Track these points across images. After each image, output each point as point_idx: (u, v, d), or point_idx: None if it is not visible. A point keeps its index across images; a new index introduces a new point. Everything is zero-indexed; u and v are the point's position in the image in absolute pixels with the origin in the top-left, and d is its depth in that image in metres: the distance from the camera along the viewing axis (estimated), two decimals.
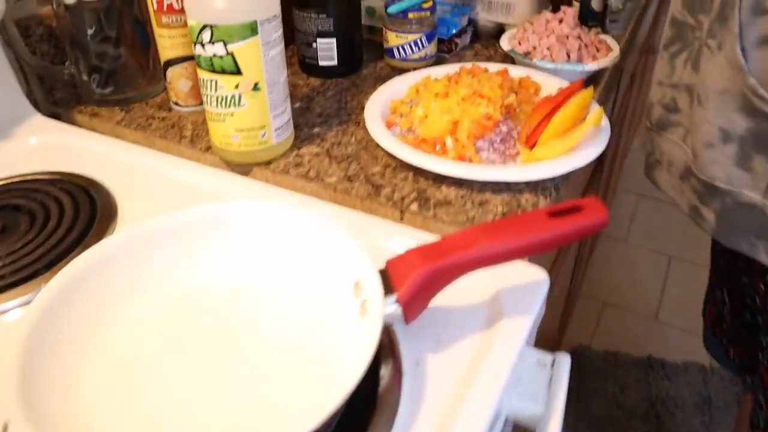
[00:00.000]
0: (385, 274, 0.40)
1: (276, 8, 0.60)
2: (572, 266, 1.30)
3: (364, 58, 0.87)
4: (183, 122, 0.73)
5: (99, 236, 0.54)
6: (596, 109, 0.63)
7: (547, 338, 1.23)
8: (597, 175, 1.27)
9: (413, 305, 0.40)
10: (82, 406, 0.37)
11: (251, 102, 0.61)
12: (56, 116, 0.77)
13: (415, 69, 0.82)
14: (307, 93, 0.79)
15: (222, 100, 0.61)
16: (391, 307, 0.39)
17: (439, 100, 0.66)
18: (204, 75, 0.61)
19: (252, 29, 0.58)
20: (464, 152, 0.62)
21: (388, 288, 0.39)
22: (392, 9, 0.81)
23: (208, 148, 0.68)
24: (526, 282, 0.48)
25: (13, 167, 0.64)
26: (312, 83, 0.82)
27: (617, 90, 1.20)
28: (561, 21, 0.83)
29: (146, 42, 0.77)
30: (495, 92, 0.67)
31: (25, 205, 0.58)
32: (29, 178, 0.62)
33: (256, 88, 0.61)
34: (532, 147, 0.63)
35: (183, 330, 0.43)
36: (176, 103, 0.76)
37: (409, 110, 0.68)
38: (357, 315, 0.40)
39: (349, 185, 0.61)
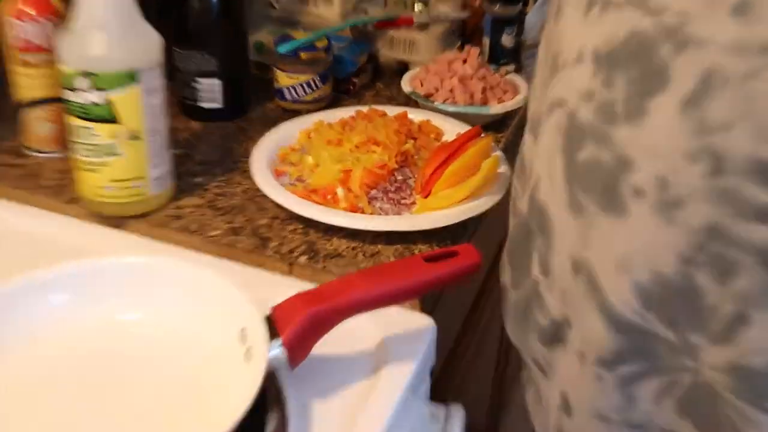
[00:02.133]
0: (270, 320, 0.55)
1: (159, 55, 0.75)
2: (501, 337, 1.48)
3: (252, 98, 1.03)
4: (42, 170, 0.86)
5: None
6: (491, 157, 0.81)
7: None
8: None
9: (298, 349, 0.55)
10: None
11: (129, 152, 0.75)
12: None
13: (308, 111, 0.98)
14: (187, 138, 0.94)
15: (96, 149, 0.75)
16: (276, 350, 0.54)
17: (332, 148, 0.83)
18: (76, 122, 0.74)
19: (133, 77, 0.73)
20: (356, 202, 0.78)
21: (273, 332, 0.54)
22: (282, 48, 0.98)
23: (74, 199, 0.81)
24: (412, 329, 0.64)
25: None
26: (193, 127, 0.97)
27: None
28: (465, 61, 1.02)
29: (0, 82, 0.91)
30: (391, 139, 0.84)
31: None
32: None
33: (135, 137, 0.75)
34: (426, 196, 0.80)
35: (62, 383, 0.56)
36: (34, 150, 0.89)
37: (299, 158, 0.84)
38: (242, 361, 0.55)
39: (235, 238, 0.76)
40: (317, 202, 0.78)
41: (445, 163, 0.81)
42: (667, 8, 0.47)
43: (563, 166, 0.55)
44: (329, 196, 0.79)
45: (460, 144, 0.82)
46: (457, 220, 0.76)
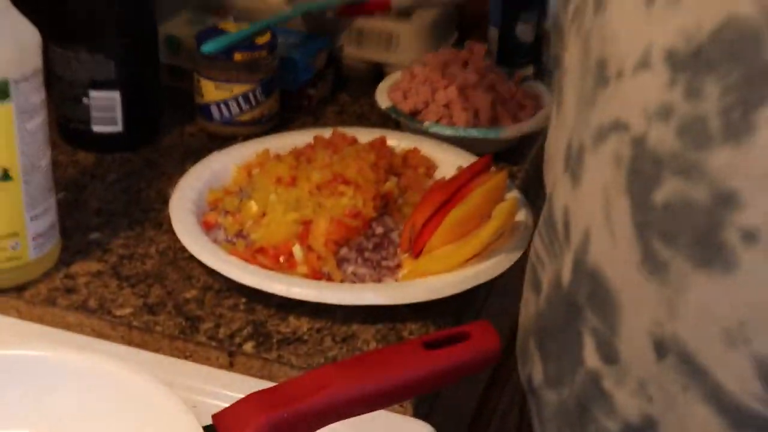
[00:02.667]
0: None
1: (37, 60, 0.80)
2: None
3: (165, 118, 1.08)
4: None
5: None
6: (506, 200, 0.86)
7: None
8: None
9: None
10: None
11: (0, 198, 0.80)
12: None
13: (246, 137, 1.03)
14: (75, 177, 0.99)
15: None
16: None
17: (283, 190, 0.87)
18: None
19: (3, 91, 0.78)
20: (320, 266, 0.82)
21: None
22: (208, 47, 1.03)
23: None
24: None
25: None
26: (82, 161, 1.01)
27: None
28: (466, 63, 1.08)
29: None
30: (366, 176, 0.88)
31: None
32: None
33: (5, 176, 0.80)
34: (418, 256, 0.85)
35: None
36: None
37: (238, 205, 0.88)
38: None
39: (152, 318, 0.80)
40: (266, 267, 0.82)
41: (443, 209, 0.86)
42: None
43: (631, 212, 0.56)
44: (282, 258, 0.83)
45: (463, 182, 0.88)
46: (462, 289, 0.80)
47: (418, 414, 0.74)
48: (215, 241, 0.86)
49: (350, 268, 0.84)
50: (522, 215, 0.89)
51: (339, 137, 0.96)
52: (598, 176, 0.59)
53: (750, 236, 0.49)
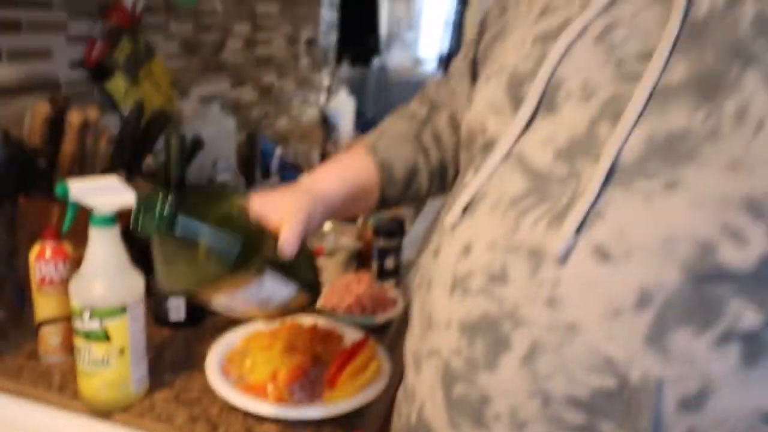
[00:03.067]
0: None
1: (141, 292, 0.83)
2: None
3: (206, 311, 1.10)
4: (51, 371, 0.91)
5: None
6: (375, 360, 0.91)
7: None
8: None
9: None
10: None
11: (117, 363, 0.82)
12: None
13: (246, 321, 1.06)
14: (160, 342, 1.00)
15: (93, 362, 0.81)
16: None
17: (264, 353, 0.90)
18: (80, 343, 0.81)
19: (123, 310, 0.81)
20: (282, 395, 0.85)
21: None
22: None
23: (75, 396, 0.86)
24: None
25: None
26: (164, 333, 1.03)
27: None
28: (360, 281, 1.13)
29: (22, 301, 0.96)
30: (306, 345, 0.92)
31: None
32: None
33: (121, 352, 0.82)
34: (332, 388, 0.87)
35: None
36: (46, 355, 0.93)
37: (241, 361, 0.91)
38: None
39: (192, 426, 0.81)
40: (254, 395, 0.85)
41: (344, 364, 0.90)
42: (504, 299, 0.53)
43: (443, 396, 0.57)
44: (262, 391, 0.86)
45: (354, 350, 0.92)
46: (356, 407, 0.84)
47: None
48: (230, 380, 0.88)
49: (296, 396, 0.85)
50: (386, 365, 0.93)
51: (293, 324, 0.98)
52: (428, 375, 0.59)
53: (497, 417, 0.53)
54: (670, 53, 0.50)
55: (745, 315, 0.46)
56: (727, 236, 0.46)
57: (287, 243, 0.62)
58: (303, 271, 0.69)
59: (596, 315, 0.49)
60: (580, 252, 0.50)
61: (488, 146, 0.61)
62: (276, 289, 0.64)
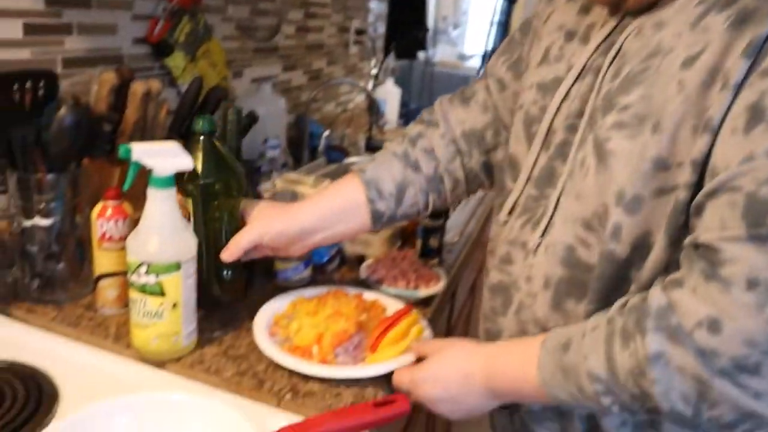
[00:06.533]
0: None
1: (194, 251, 0.85)
2: None
3: (256, 278, 1.12)
4: (108, 322, 0.93)
5: (45, 415, 0.72)
6: (415, 329, 0.91)
7: None
8: None
9: None
10: None
11: (170, 316, 0.83)
12: None
13: (294, 288, 1.07)
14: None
15: (147, 314, 0.83)
16: None
17: (310, 317, 0.91)
18: (136, 295, 0.83)
19: (177, 266, 0.82)
20: (326, 357, 0.86)
21: None
22: None
23: (129, 346, 0.88)
24: None
25: None
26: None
27: (452, 303, 1.50)
28: (404, 258, 1.14)
29: (82, 256, 0.99)
30: (351, 312, 0.93)
31: None
32: None
33: (174, 306, 0.83)
34: (374, 352, 0.88)
35: None
36: (103, 307, 0.96)
37: (287, 324, 0.92)
38: None
39: (240, 379, 0.83)
40: (298, 356, 0.86)
41: (387, 329, 0.90)
42: (510, 273, 0.80)
43: (482, 329, 0.84)
44: (306, 353, 0.86)
45: (397, 317, 0.92)
46: (395, 368, 0.83)
47: None
48: (276, 341, 0.89)
49: (340, 358, 0.87)
50: (426, 333, 0.93)
51: (339, 292, 0.99)
52: None
53: None
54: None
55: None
56: (579, 243, 0.69)
57: (227, 251, 0.88)
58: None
59: (539, 288, 0.74)
60: (542, 248, 0.74)
61: (515, 166, 0.83)
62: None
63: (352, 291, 1.02)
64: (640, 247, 0.64)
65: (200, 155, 0.90)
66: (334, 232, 0.91)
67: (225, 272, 0.95)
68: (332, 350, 0.87)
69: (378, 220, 0.91)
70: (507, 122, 0.91)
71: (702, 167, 0.60)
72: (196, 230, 0.88)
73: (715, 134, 0.58)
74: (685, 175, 0.61)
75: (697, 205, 0.59)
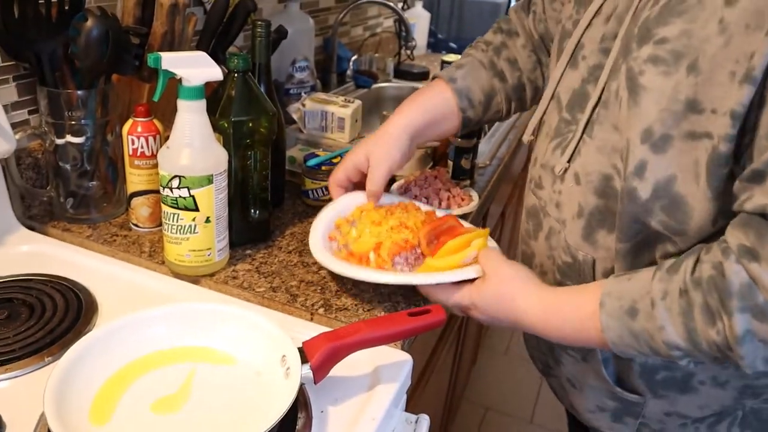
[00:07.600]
0: (301, 351, 0.62)
1: (225, 165, 0.83)
2: (450, 371, 1.54)
3: (286, 196, 1.11)
4: (141, 240, 0.94)
5: (86, 325, 0.73)
6: (482, 240, 0.82)
7: None
8: None
9: (320, 371, 0.62)
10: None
11: (203, 231, 0.83)
12: (31, 228, 0.95)
13: (323, 207, 1.04)
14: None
15: (180, 228, 0.82)
16: (306, 371, 0.61)
17: (373, 226, 0.85)
18: (168, 210, 0.82)
19: (209, 180, 0.81)
20: (383, 265, 0.81)
21: (304, 359, 0.61)
22: (310, 162, 1.07)
23: (163, 262, 0.88)
24: (395, 362, 0.71)
25: (8, 269, 0.82)
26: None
27: (484, 226, 1.49)
28: (436, 177, 1.11)
29: (115, 176, 0.99)
30: (417, 226, 0.85)
31: (24, 299, 0.76)
32: (24, 278, 0.81)
33: (207, 221, 0.83)
34: (432, 256, 0.82)
35: (157, 383, 0.63)
36: (136, 225, 0.96)
37: (348, 230, 0.86)
38: (283, 377, 0.62)
39: (273, 294, 0.83)
40: (352, 263, 0.81)
41: (443, 239, 0.83)
42: (540, 198, 0.81)
43: (519, 251, 0.87)
44: (363, 260, 0.82)
45: (463, 230, 0.86)
46: (450, 280, 0.76)
47: (404, 348, 0.76)
48: (332, 248, 0.86)
49: (399, 267, 0.82)
50: (491, 244, 0.86)
51: (411, 205, 0.92)
52: None
53: None
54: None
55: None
56: (616, 173, 0.67)
57: (371, 195, 0.90)
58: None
59: (570, 217, 0.74)
60: (570, 175, 0.73)
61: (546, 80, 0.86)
62: None
63: (426, 207, 0.95)
64: (661, 190, 0.62)
65: (234, 93, 0.88)
66: (425, 140, 0.95)
67: (253, 211, 0.93)
68: (390, 259, 0.81)
69: (466, 126, 0.96)
70: (553, 36, 0.90)
71: (743, 121, 0.55)
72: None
73: (759, 86, 0.54)
74: (723, 127, 0.56)
75: (759, 172, 0.55)
